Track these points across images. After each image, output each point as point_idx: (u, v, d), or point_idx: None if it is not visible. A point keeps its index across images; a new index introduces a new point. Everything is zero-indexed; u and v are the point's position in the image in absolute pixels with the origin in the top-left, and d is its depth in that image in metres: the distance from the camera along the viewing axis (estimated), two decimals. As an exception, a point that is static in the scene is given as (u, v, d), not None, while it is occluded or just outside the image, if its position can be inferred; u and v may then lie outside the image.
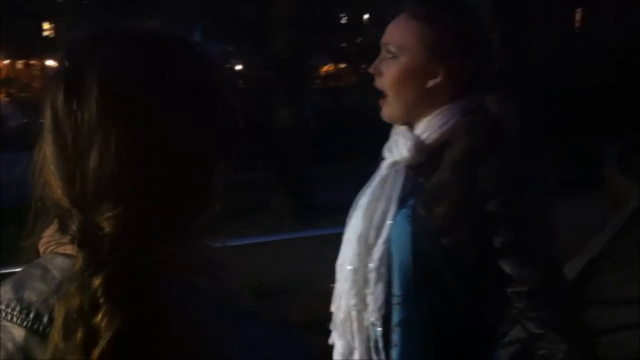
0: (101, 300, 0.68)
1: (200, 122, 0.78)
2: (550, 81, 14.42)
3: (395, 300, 1.50)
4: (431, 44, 1.48)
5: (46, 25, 40.66)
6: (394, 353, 1.52)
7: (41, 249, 0.80)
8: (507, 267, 1.45)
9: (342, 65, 27.85)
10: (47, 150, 0.76)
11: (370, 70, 1.56)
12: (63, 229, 0.75)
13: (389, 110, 1.55)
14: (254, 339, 0.78)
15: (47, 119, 0.76)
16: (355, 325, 1.55)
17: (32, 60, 40.28)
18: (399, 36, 1.52)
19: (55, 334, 0.69)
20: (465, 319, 1.52)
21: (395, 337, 1.51)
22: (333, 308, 1.64)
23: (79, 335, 0.67)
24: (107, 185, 0.72)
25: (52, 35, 41.12)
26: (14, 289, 0.75)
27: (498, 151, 1.45)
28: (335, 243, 1.68)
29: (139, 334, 0.68)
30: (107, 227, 0.71)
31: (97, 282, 0.68)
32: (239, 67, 19.14)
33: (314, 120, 16.76)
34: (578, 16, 20.74)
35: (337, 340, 1.63)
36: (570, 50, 16.53)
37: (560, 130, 12.76)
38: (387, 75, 1.53)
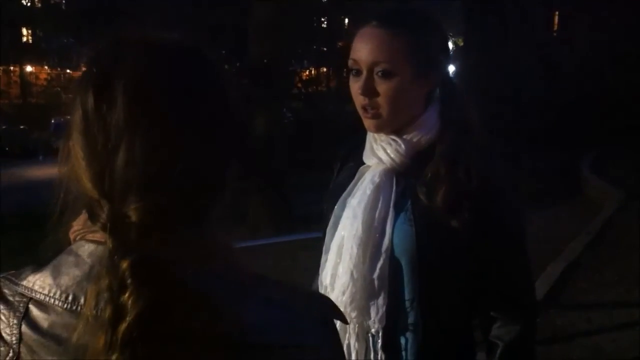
0: (128, 281, 0.75)
1: (214, 123, 0.86)
2: (528, 91, 14.54)
3: (406, 304, 1.51)
4: (415, 56, 1.50)
5: (25, 32, 40.35)
6: (405, 357, 1.52)
7: (71, 237, 0.88)
8: (493, 254, 1.51)
9: (322, 70, 27.91)
10: (77, 147, 0.83)
11: (362, 94, 1.52)
12: (93, 218, 0.82)
13: (377, 123, 1.54)
14: (267, 311, 0.84)
15: (77, 119, 0.83)
16: (353, 339, 1.54)
17: (11, 66, 40.00)
18: (389, 53, 1.49)
19: (87, 311, 0.77)
20: (465, 317, 1.57)
21: (404, 341, 1.52)
22: None
23: (108, 312, 0.74)
24: (133, 180, 0.79)
25: (31, 41, 40.85)
26: (52, 275, 0.83)
27: (475, 151, 1.50)
28: (311, 249, 1.67)
29: (160, 312, 0.75)
30: (133, 217, 0.77)
31: (124, 265, 0.75)
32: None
33: (291, 128, 16.74)
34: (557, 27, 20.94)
35: None
36: (548, 60, 16.69)
37: (536, 140, 12.87)
38: (385, 95, 1.50)
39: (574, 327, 4.75)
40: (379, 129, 1.56)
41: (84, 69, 0.87)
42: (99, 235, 0.83)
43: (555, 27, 21.35)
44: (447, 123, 1.54)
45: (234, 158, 0.90)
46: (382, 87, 1.50)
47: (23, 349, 0.82)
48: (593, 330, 4.68)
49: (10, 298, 0.85)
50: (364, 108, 1.53)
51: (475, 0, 15.28)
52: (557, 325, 4.75)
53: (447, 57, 1.59)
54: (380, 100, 1.51)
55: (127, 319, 0.74)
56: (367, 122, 1.56)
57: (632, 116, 13.30)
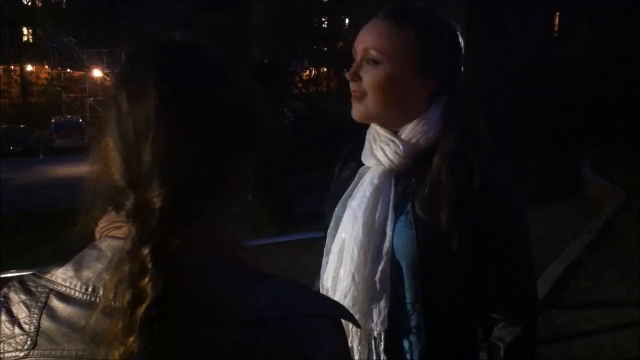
0: (149, 266, 0.79)
1: (233, 121, 0.92)
2: (528, 91, 14.53)
3: (407, 307, 1.51)
4: (415, 53, 1.49)
5: (25, 32, 40.39)
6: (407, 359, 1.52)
7: (97, 235, 0.92)
8: (500, 261, 1.50)
9: (323, 70, 27.88)
10: (109, 139, 0.89)
11: (348, 76, 1.53)
12: (118, 207, 0.88)
13: (362, 110, 1.54)
14: (271, 294, 0.88)
15: (111, 114, 0.89)
16: (356, 342, 1.53)
17: (12, 66, 40.03)
18: (382, 42, 1.50)
19: (106, 296, 0.81)
20: (466, 319, 1.56)
21: (407, 344, 1.52)
22: None
23: (128, 297, 0.79)
24: (157, 169, 0.85)
25: (31, 41, 40.86)
26: (74, 268, 0.89)
27: (476, 152, 1.49)
28: (312, 249, 1.67)
29: (177, 295, 0.79)
30: (157, 203, 0.83)
31: (145, 250, 0.80)
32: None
33: (292, 127, 16.75)
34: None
35: None
36: (547, 60, 16.70)
37: (537, 140, 12.88)
38: (368, 81, 1.51)
39: (574, 327, 4.76)
40: (364, 117, 1.56)
41: (117, 69, 0.94)
42: (121, 232, 0.88)
43: (556, 28, 21.36)
44: (449, 125, 1.52)
45: (249, 159, 0.96)
46: (367, 72, 1.51)
47: (41, 338, 0.86)
48: (594, 330, 4.69)
49: (33, 289, 0.89)
50: (352, 92, 1.54)
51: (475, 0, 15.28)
52: (557, 324, 4.76)
53: (453, 60, 1.56)
54: (365, 86, 1.52)
55: (147, 302, 0.78)
56: (353, 108, 1.56)
57: (633, 116, 13.31)
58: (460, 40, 1.57)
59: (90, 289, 0.86)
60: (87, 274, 0.87)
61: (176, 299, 0.79)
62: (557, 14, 21.36)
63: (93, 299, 0.85)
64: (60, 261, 0.91)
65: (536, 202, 7.90)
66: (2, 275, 4.86)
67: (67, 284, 0.87)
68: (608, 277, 5.75)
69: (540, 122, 14.01)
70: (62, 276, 0.88)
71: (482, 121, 1.56)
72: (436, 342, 1.51)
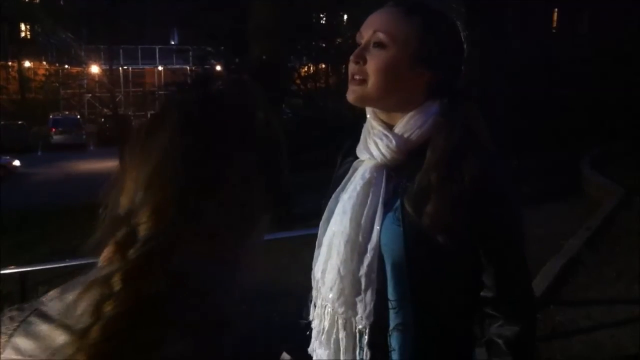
0: (115, 289, 0.81)
1: (233, 121, 0.94)
2: (526, 90, 14.53)
3: (390, 305, 1.50)
4: (423, 42, 1.50)
5: (23, 28, 40.28)
6: (393, 357, 1.51)
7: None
8: (493, 263, 1.49)
9: (321, 67, 27.81)
10: (129, 170, 0.92)
11: (352, 58, 1.53)
12: (112, 233, 0.88)
13: (359, 92, 1.53)
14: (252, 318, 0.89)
15: (135, 148, 0.92)
16: (342, 334, 1.53)
17: (10, 62, 39.96)
18: (391, 26, 1.50)
19: (72, 314, 0.83)
20: (459, 317, 1.55)
21: (392, 341, 1.51)
22: (313, 317, 1.62)
23: (86, 317, 0.80)
24: (149, 198, 0.86)
25: (29, 37, 40.75)
26: (60, 291, 0.91)
27: (475, 151, 1.48)
28: (311, 246, 1.65)
29: (176, 295, 0.81)
30: (141, 232, 0.84)
31: (116, 277, 0.81)
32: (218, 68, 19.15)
33: (290, 124, 16.73)
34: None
35: (318, 349, 1.59)
36: (547, 60, 16.71)
37: (537, 140, 12.89)
38: (372, 64, 1.51)
39: (573, 323, 4.76)
40: (360, 100, 1.55)
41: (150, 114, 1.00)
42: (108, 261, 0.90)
43: (555, 27, 21.36)
44: (449, 124, 1.50)
45: (252, 181, 0.97)
46: (373, 55, 1.51)
47: (8, 347, 0.88)
48: (593, 327, 4.69)
49: (25, 307, 0.92)
50: (352, 75, 1.54)
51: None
52: (556, 321, 4.77)
53: (454, 61, 1.56)
54: (368, 68, 1.51)
55: (101, 322, 0.79)
56: (350, 91, 1.55)
57: (633, 116, 13.33)
58: (464, 41, 1.57)
59: (64, 309, 0.88)
60: (67, 295, 0.89)
61: (176, 299, 0.80)
62: (557, 14, 21.38)
63: (63, 318, 0.87)
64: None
65: (536, 202, 7.92)
66: (1, 272, 4.86)
67: (49, 305, 0.90)
68: (607, 273, 5.76)
69: (540, 122, 14.04)
70: (48, 297, 0.91)
71: (481, 121, 1.56)
72: (429, 340, 1.50)
